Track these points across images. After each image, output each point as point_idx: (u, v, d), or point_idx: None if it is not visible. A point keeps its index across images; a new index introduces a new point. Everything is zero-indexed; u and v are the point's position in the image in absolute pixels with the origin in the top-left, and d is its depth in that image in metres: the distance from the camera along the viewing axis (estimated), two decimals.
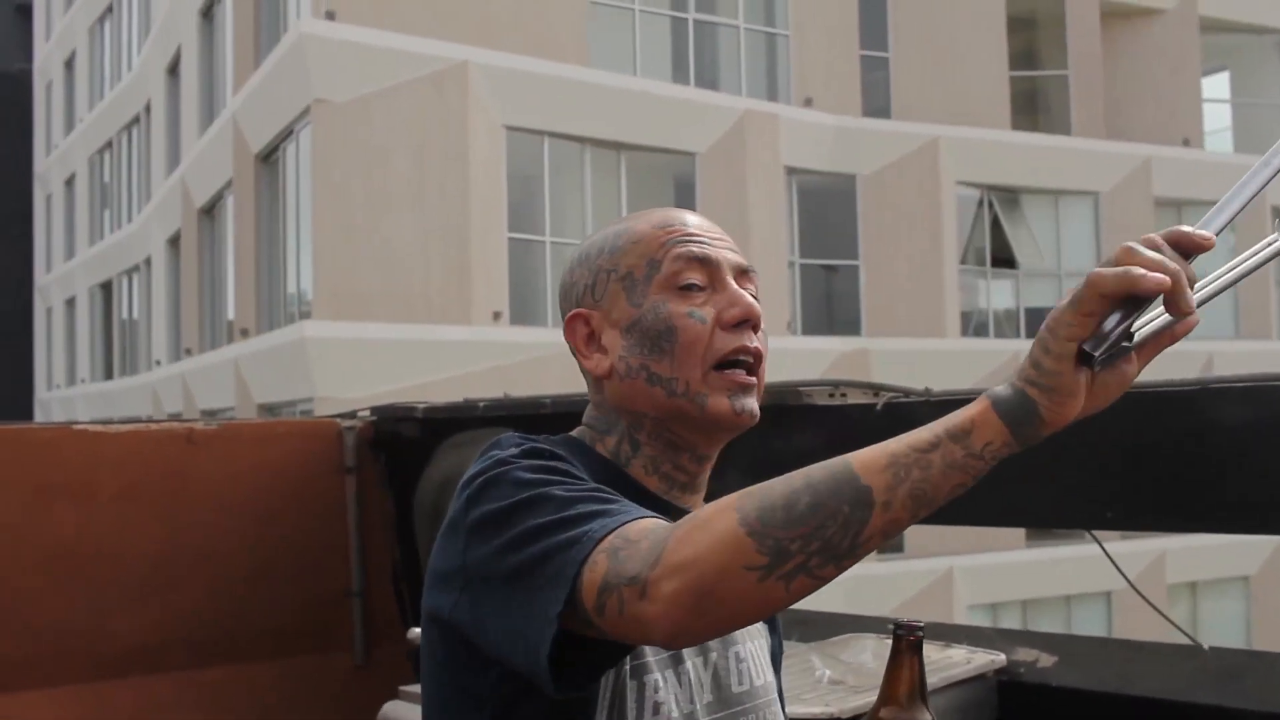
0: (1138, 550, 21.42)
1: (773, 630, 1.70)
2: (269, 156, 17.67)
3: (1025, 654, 2.89)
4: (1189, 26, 23.97)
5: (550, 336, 16.21)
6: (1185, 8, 23.91)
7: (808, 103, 19.82)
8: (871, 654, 2.84)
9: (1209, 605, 23.88)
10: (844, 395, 2.86)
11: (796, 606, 3.81)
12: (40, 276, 36.07)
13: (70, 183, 32.71)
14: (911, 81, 21.23)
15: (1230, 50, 25.65)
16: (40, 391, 35.46)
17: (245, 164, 18.14)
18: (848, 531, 1.19)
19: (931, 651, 2.88)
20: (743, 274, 1.55)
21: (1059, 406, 1.19)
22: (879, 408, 2.76)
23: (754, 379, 1.52)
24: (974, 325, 21.85)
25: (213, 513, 3.35)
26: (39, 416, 34.04)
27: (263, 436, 3.70)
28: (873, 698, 2.55)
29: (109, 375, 29.39)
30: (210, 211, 21.06)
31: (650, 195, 18.60)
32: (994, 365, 20.30)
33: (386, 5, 15.77)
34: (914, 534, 20.03)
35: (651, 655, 1.44)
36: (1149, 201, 22.66)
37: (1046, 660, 2.87)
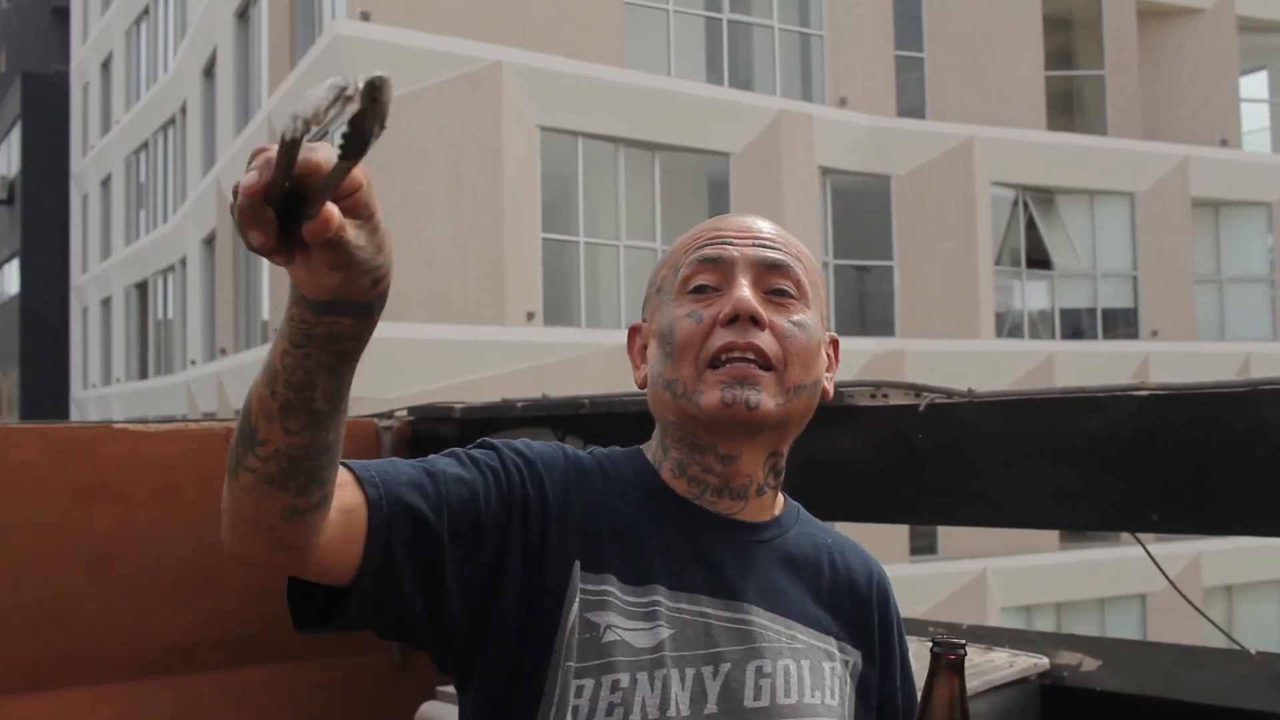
0: (1173, 553, 21.21)
1: (868, 660, 1.63)
2: None
3: (1069, 657, 2.84)
4: (1227, 26, 23.80)
5: (583, 337, 16.22)
6: (1223, 7, 23.74)
7: (842, 103, 19.77)
8: (916, 658, 2.82)
9: (1245, 608, 23.70)
10: (885, 396, 2.83)
11: None
12: (76, 276, 36.31)
13: (106, 183, 32.91)
14: (946, 82, 21.16)
15: (1269, 49, 25.46)
16: (76, 390, 35.69)
17: None
18: (244, 416, 1.22)
19: (973, 655, 2.85)
20: (772, 269, 1.54)
21: (292, 276, 1.15)
22: (922, 409, 2.74)
23: (756, 370, 1.49)
24: (1009, 326, 21.76)
25: None
26: (74, 415, 34.26)
27: None
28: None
29: (144, 374, 29.55)
30: None
31: (684, 196, 18.60)
32: (1029, 366, 20.23)
33: (421, 6, 15.81)
34: (948, 536, 19.98)
35: (625, 655, 1.42)
36: (1186, 201, 22.53)
37: (1090, 664, 2.82)
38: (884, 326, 20.42)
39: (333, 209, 1.07)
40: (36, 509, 3.14)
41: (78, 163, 36.26)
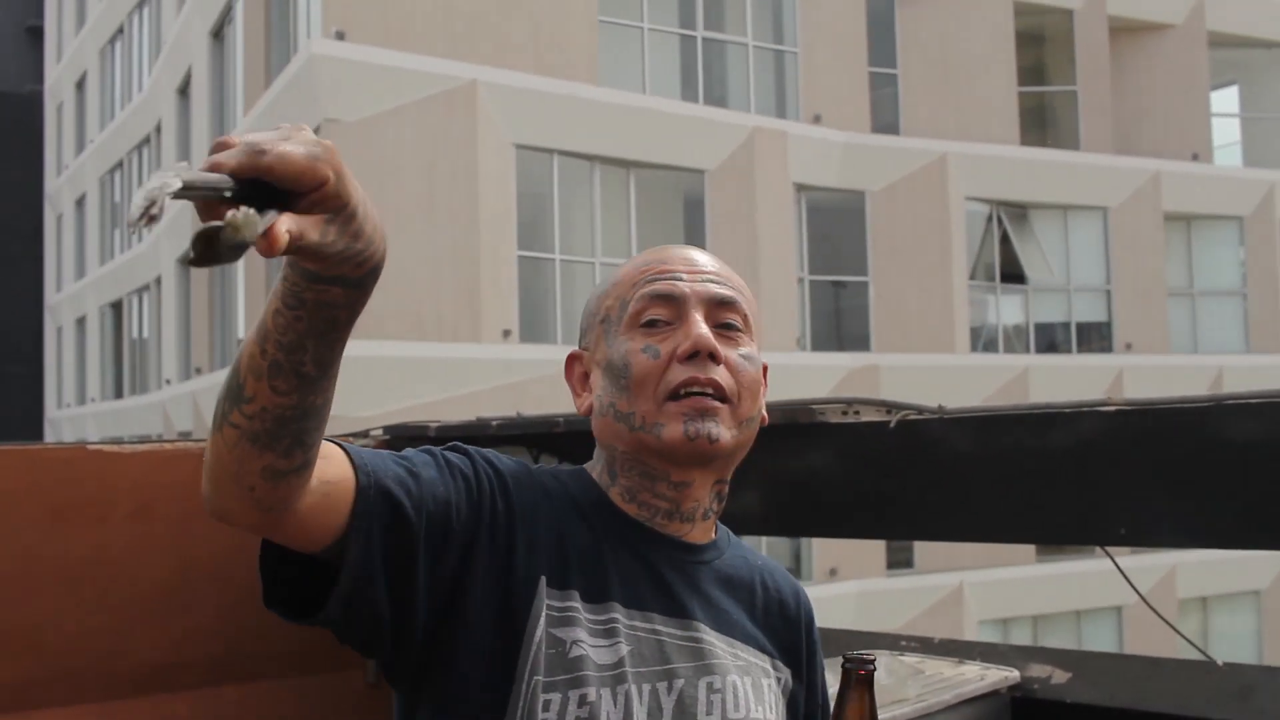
0: (1148, 565, 21.36)
1: (798, 678, 1.69)
2: None
3: (1039, 670, 2.90)
4: (1197, 41, 23.99)
5: (559, 354, 16.14)
6: (1193, 23, 23.94)
7: (816, 120, 19.86)
8: (886, 670, 2.86)
9: (1220, 620, 23.82)
10: (857, 413, 2.90)
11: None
12: (51, 296, 36.21)
13: (81, 203, 32.85)
14: (920, 98, 21.27)
15: (1239, 64, 25.69)
16: (51, 410, 35.57)
17: None
18: (233, 371, 1.25)
19: (944, 668, 2.91)
20: (721, 305, 1.60)
21: None
22: (892, 425, 2.79)
23: (715, 404, 1.54)
24: (984, 340, 21.86)
25: (226, 532, 3.36)
26: (49, 435, 34.15)
27: None
28: (888, 714, 2.58)
29: (119, 394, 29.46)
30: None
31: (660, 213, 18.65)
32: (1004, 380, 20.32)
33: (396, 26, 15.84)
34: (924, 550, 20.04)
35: (591, 670, 1.46)
36: (1159, 216, 22.69)
37: (1060, 676, 2.88)
38: (859, 342, 20.50)
39: (278, 231, 1.08)
40: (11, 530, 3.14)
41: (52, 182, 36.18)
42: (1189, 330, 23.89)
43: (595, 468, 1.65)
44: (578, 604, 1.50)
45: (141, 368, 27.79)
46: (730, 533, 1.72)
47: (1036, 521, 2.73)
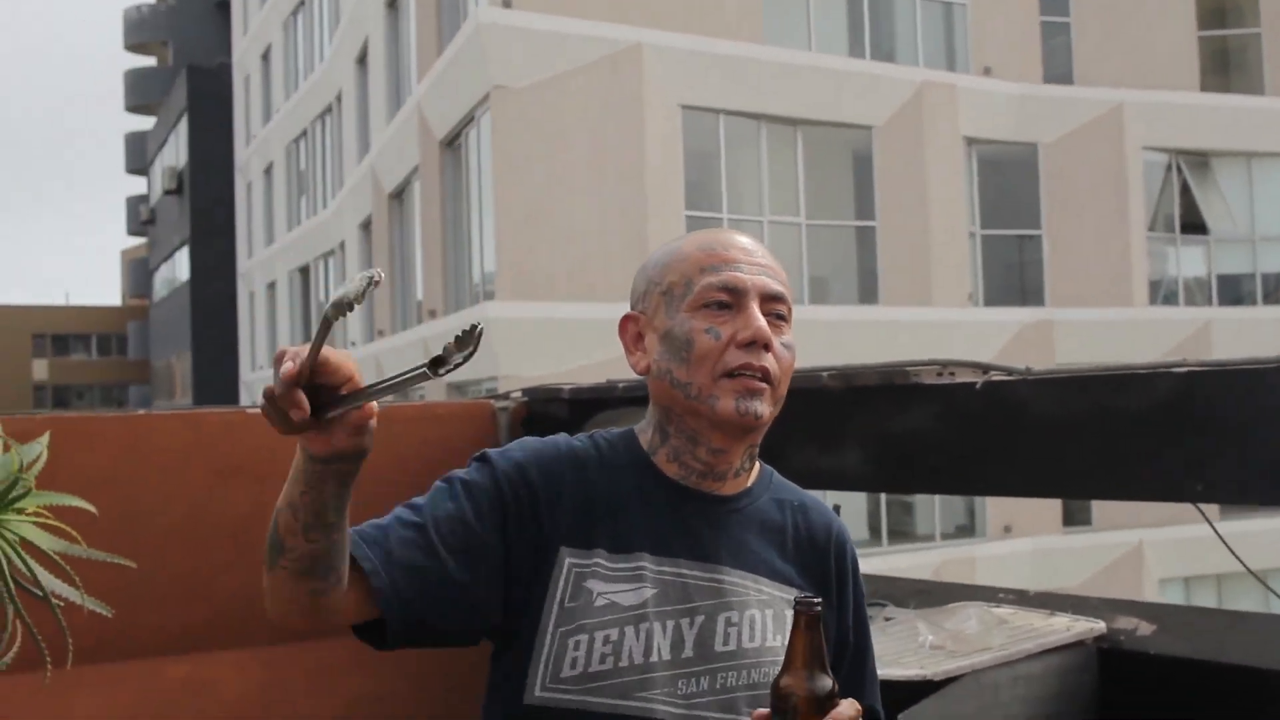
0: None
1: (826, 604, 1.84)
2: (452, 142, 18.14)
3: (1126, 622, 2.98)
4: None
5: None
6: None
7: (986, 72, 19.57)
8: (976, 620, 2.97)
9: None
10: (952, 374, 2.99)
11: (916, 577, 3.97)
12: (243, 262, 37.40)
13: (269, 171, 33.83)
14: (1094, 46, 20.78)
15: None
16: (245, 373, 36.78)
17: (430, 150, 18.64)
18: (274, 531, 1.58)
19: (1035, 619, 3.01)
20: (772, 299, 1.78)
21: (306, 442, 1.49)
22: (979, 386, 2.89)
23: (763, 385, 1.75)
24: (1163, 294, 21.33)
25: (377, 490, 3.56)
26: (244, 397, 35.35)
27: (422, 417, 3.92)
28: (968, 661, 2.70)
29: None
30: (399, 197, 21.68)
31: (828, 170, 18.61)
32: (1184, 335, 19.85)
33: None
34: (1103, 508, 19.71)
35: (615, 614, 1.71)
36: None
37: (1146, 629, 2.95)
38: (1034, 296, 20.18)
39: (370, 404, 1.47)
40: (180, 488, 3.43)
41: (241, 152, 37.31)
42: None
43: (646, 430, 1.86)
44: (603, 558, 1.74)
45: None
46: (774, 474, 1.93)
47: (1114, 477, 2.80)
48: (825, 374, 3.21)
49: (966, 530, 19.64)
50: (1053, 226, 20.13)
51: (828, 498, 3.63)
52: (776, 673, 1.59)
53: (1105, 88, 20.22)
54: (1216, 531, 3.00)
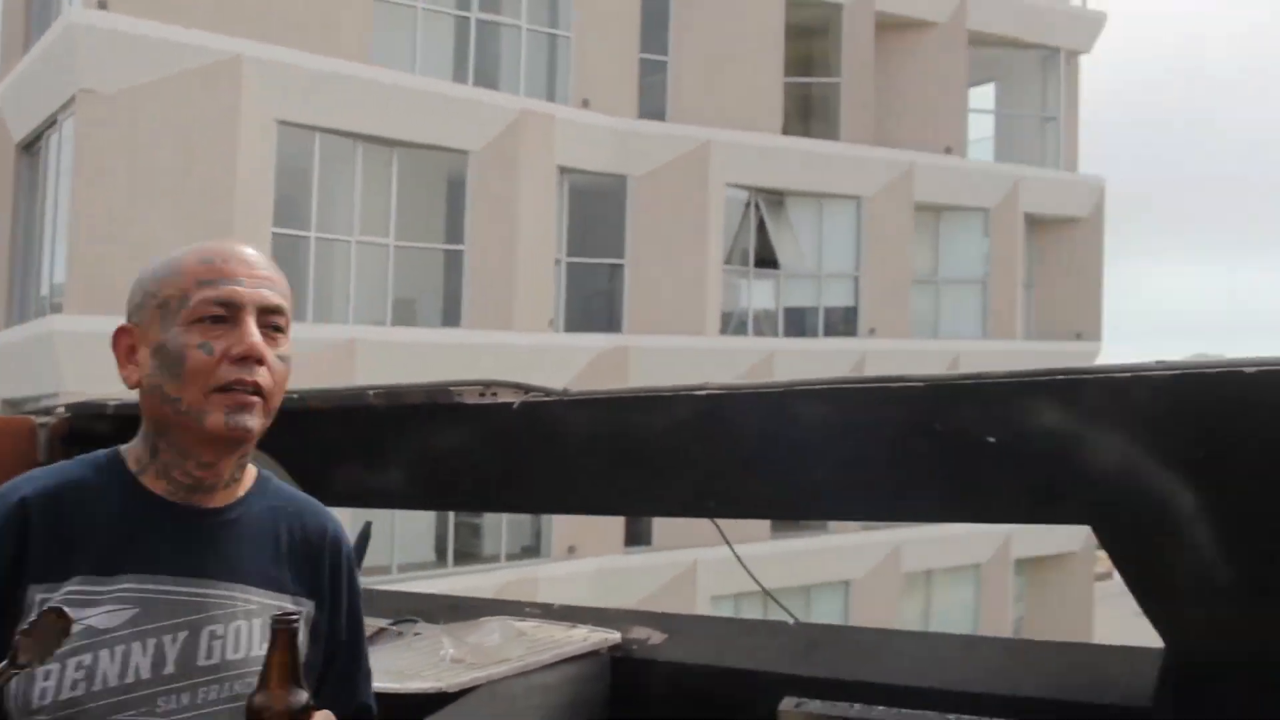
0: (876, 541, 22.45)
1: (321, 607, 1.90)
2: (31, 146, 17.13)
3: (640, 632, 3.13)
4: (958, 40, 24.78)
5: (309, 332, 16.16)
6: (955, 21, 24.69)
7: (585, 104, 19.92)
8: (499, 634, 3.06)
9: (943, 593, 25.13)
10: (494, 394, 3.05)
11: (445, 592, 3.96)
12: None
13: None
14: (689, 85, 21.49)
15: (996, 63, 26.59)
16: None
17: (6, 153, 17.55)
18: None
19: (556, 631, 3.14)
20: (269, 312, 1.80)
21: None
22: (516, 406, 2.98)
23: (254, 399, 1.77)
24: (734, 324, 22.39)
25: None
26: None
27: None
28: (485, 673, 2.89)
29: None
30: None
31: (422, 193, 18.57)
32: (750, 363, 20.88)
33: None
34: (662, 528, 20.60)
35: (91, 638, 1.69)
36: (909, 205, 23.47)
37: (658, 637, 3.10)
38: (612, 324, 20.79)
39: None
40: None
41: None
42: (931, 316, 24.86)
43: (136, 446, 1.85)
44: (79, 585, 1.71)
45: None
46: (272, 478, 1.95)
47: (639, 495, 2.99)
48: (371, 392, 3.22)
49: (532, 551, 20.12)
50: (636, 256, 20.76)
51: (376, 516, 3.68)
52: (250, 694, 1.62)
53: (695, 126, 20.93)
54: (731, 547, 3.23)
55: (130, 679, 1.69)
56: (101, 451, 1.85)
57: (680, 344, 20.41)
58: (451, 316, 18.79)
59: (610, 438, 2.88)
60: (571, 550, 19.56)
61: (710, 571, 20.40)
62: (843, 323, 23.51)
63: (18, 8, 18.05)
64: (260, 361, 1.76)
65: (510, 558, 19.54)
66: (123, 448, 1.85)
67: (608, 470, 2.92)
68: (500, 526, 19.48)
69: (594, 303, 21.04)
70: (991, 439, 2.38)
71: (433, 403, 3.10)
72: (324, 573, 1.91)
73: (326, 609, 1.90)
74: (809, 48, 23.90)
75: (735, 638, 3.13)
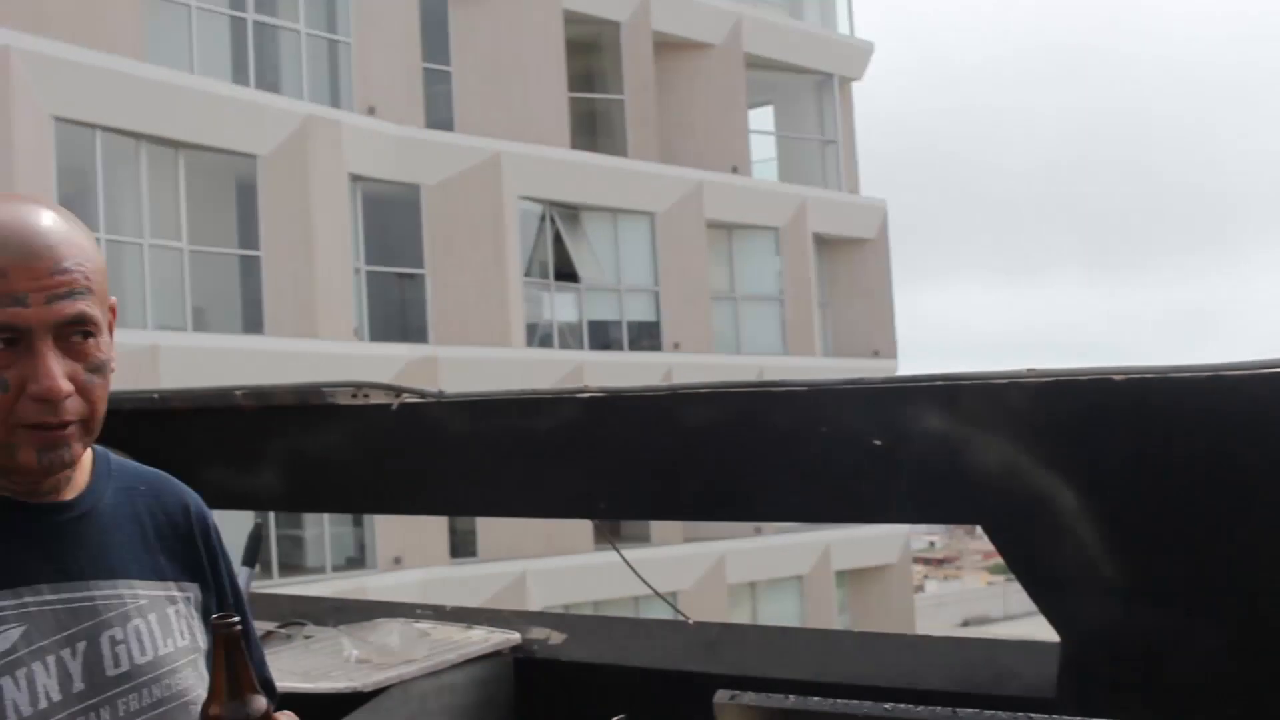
0: (701, 553, 22.47)
1: (206, 589, 1.73)
2: None
3: (539, 633, 3.16)
4: (735, 62, 25.53)
5: None
6: (731, 44, 25.47)
7: (371, 111, 19.95)
8: (399, 635, 3.06)
9: (768, 603, 25.22)
10: (366, 396, 3.03)
11: (332, 594, 4.10)
12: None
13: None
14: (474, 96, 21.70)
15: (774, 86, 27.45)
16: None
17: None
18: None
19: (454, 632, 3.15)
20: (71, 324, 1.51)
21: None
22: (394, 407, 2.97)
23: (68, 432, 1.52)
24: (539, 336, 22.46)
25: None
26: None
27: None
28: (395, 673, 2.84)
29: None
30: None
31: (212, 196, 18.33)
32: (559, 375, 20.88)
33: None
34: (488, 538, 20.42)
35: None
36: (701, 223, 23.96)
37: (558, 638, 3.14)
38: (417, 334, 20.69)
39: None
40: None
41: None
42: (732, 332, 25.26)
43: None
44: None
45: None
46: (110, 456, 1.71)
47: (527, 497, 3.01)
48: (239, 393, 3.16)
49: (357, 562, 19.75)
50: (435, 266, 20.74)
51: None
52: (204, 703, 1.49)
53: (484, 137, 21.10)
54: (620, 553, 3.35)
55: (43, 704, 1.48)
56: None
57: (488, 355, 20.37)
58: (252, 323, 18.48)
59: (493, 439, 2.91)
60: (397, 561, 19.21)
61: (540, 582, 20.24)
62: (646, 336, 23.74)
63: None
64: (66, 395, 1.49)
65: (335, 568, 19.14)
66: None
67: (490, 472, 2.95)
68: (323, 537, 19.07)
69: (396, 312, 20.92)
70: (878, 441, 2.47)
71: (304, 404, 3.09)
72: (199, 552, 1.72)
73: (212, 590, 1.72)
74: (589, 64, 24.37)
75: (636, 637, 3.19)
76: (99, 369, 1.54)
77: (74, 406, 1.51)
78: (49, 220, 1.54)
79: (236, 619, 1.49)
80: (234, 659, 1.48)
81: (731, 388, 2.61)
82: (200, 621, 1.67)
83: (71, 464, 1.55)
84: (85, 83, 16.06)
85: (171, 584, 1.66)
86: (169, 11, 18.07)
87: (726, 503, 2.84)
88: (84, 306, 1.51)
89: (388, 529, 19.12)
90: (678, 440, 2.68)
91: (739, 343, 25.21)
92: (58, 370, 1.48)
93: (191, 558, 1.71)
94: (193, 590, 1.69)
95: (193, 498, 1.77)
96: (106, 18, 16.66)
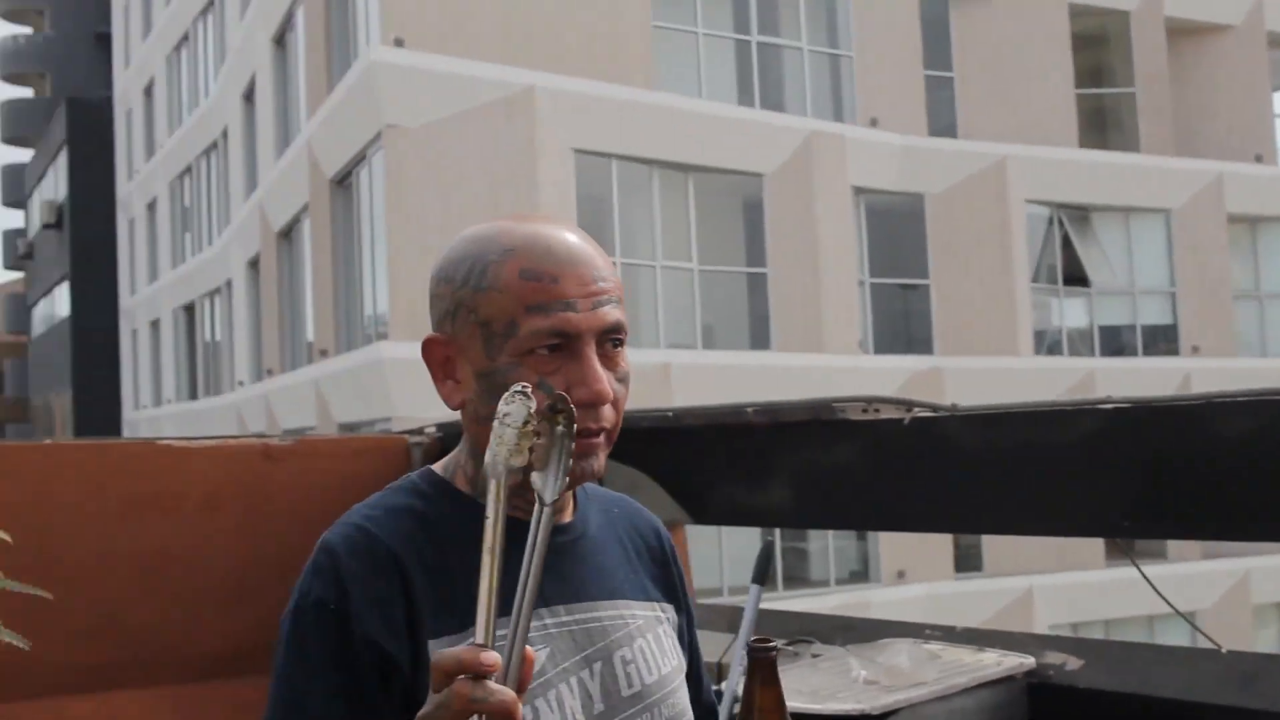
0: (1222, 569, 21.14)
1: (679, 610, 1.74)
2: (343, 180, 18.03)
3: (1054, 657, 3.00)
4: (1257, 42, 23.83)
5: (641, 357, 16.43)
6: (1253, 23, 23.76)
7: (873, 123, 19.90)
8: (908, 656, 2.97)
9: None
10: (877, 410, 2.98)
11: (838, 613, 4.01)
12: (125, 299, 36.74)
13: (152, 207, 33.34)
14: (977, 100, 21.26)
15: None
16: (128, 411, 36.09)
17: (320, 188, 18.51)
18: None
19: (964, 655, 3.03)
20: (610, 331, 1.53)
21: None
22: (906, 422, 2.90)
23: (599, 441, 1.52)
24: (1048, 343, 21.78)
25: (290, 525, 3.47)
26: (127, 436, 34.65)
27: (336, 452, 3.83)
28: (904, 695, 2.75)
29: (194, 395, 29.89)
30: (288, 235, 21.47)
31: (719, 216, 18.76)
32: (1069, 383, 20.21)
33: (453, 32, 16.07)
34: (993, 553, 20.02)
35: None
36: (1222, 217, 22.53)
37: (1074, 663, 2.97)
38: (921, 345, 20.51)
39: None
40: (88, 521, 3.34)
41: (123, 187, 36.73)
42: (1258, 333, 23.69)
43: (464, 466, 1.61)
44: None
45: (215, 369, 28.20)
46: (587, 488, 1.69)
47: (1043, 515, 2.86)
48: (750, 409, 3.17)
49: (861, 575, 19.84)
50: (939, 276, 20.49)
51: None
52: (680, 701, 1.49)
53: (988, 141, 20.64)
54: (1141, 572, 3.06)
55: None
56: (412, 476, 1.62)
57: (994, 364, 19.94)
58: (759, 339, 18.82)
59: (1008, 454, 2.80)
60: (901, 575, 19.19)
61: (1047, 599, 19.70)
62: (1161, 340, 22.60)
63: (319, 49, 19.07)
64: (610, 400, 1.53)
65: (839, 582, 19.30)
66: (436, 468, 1.62)
67: (1005, 488, 2.84)
68: (827, 550, 19.27)
69: (899, 323, 20.79)
70: None
71: (815, 419, 3.05)
72: (672, 573, 1.74)
73: (684, 610, 1.75)
74: (1097, 58, 23.36)
75: (1161, 664, 2.96)
76: (625, 379, 1.58)
77: (608, 418, 1.54)
78: (582, 235, 1.60)
79: (773, 645, 1.50)
80: (777, 691, 1.49)
81: (1274, 395, 2.37)
82: (677, 641, 1.71)
83: (599, 475, 1.56)
84: (601, 115, 16.77)
85: (657, 605, 1.69)
86: (677, 39, 18.58)
87: (1262, 519, 2.58)
88: (620, 315, 1.55)
89: (891, 543, 19.11)
90: (1211, 453, 2.48)
91: (1264, 345, 23.60)
92: (605, 381, 1.52)
93: (666, 579, 1.74)
94: (670, 611, 1.72)
95: (658, 522, 1.80)
96: (619, 51, 17.32)
